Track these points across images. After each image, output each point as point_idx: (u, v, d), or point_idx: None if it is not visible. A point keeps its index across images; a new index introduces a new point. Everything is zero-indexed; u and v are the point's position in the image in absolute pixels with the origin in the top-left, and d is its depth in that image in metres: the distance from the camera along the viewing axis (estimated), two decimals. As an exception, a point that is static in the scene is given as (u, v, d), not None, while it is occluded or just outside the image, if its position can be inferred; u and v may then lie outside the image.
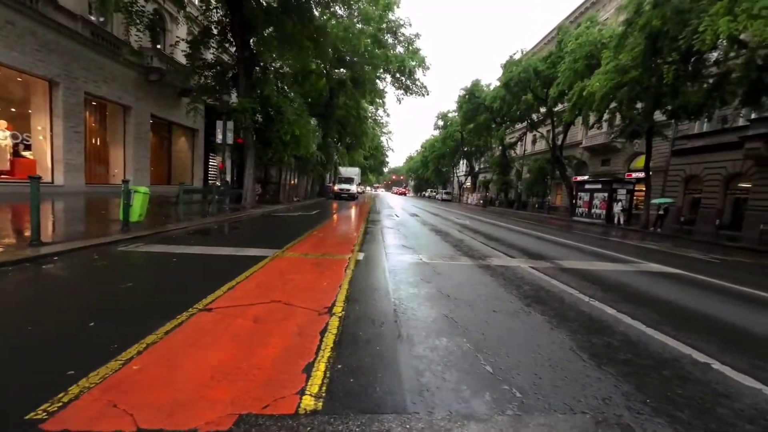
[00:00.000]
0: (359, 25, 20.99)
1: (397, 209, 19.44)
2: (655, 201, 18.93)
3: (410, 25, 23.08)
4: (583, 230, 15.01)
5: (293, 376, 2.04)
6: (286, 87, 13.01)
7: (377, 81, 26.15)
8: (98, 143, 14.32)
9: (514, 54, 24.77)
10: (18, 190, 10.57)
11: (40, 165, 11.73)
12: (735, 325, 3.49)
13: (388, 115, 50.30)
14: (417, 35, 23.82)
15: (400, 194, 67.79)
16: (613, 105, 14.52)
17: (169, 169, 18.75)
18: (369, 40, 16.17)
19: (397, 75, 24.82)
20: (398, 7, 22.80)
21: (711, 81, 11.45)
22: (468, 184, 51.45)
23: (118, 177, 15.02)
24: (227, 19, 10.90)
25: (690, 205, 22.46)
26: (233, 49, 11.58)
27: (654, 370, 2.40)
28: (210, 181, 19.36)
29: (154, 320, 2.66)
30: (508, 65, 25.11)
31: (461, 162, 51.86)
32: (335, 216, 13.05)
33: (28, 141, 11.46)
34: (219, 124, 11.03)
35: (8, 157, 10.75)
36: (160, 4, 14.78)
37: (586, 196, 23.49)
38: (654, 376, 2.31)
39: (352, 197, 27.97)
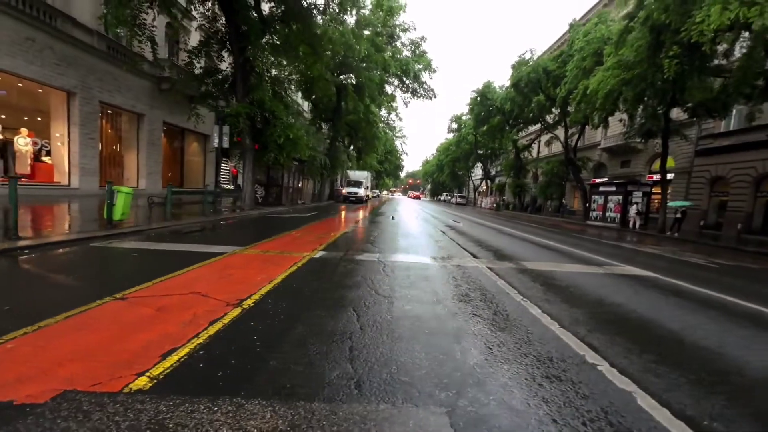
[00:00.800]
0: (366, 32, 21.38)
1: (401, 212, 19.41)
2: (671, 204, 17.86)
3: (415, 29, 23.22)
4: (588, 234, 14.35)
5: (148, 359, 2.13)
6: (284, 92, 13.42)
7: (385, 85, 26.45)
8: (113, 149, 15.31)
9: (524, 54, 24.21)
10: (38, 192, 11.56)
11: (58, 169, 12.73)
12: (668, 330, 3.26)
13: (400, 119, 50.36)
14: (423, 38, 23.96)
15: (414, 198, 67.52)
16: (620, 103, 13.87)
17: (181, 173, 19.76)
18: (366, 44, 16.33)
19: (404, 79, 24.98)
20: (404, 11, 23.03)
21: (721, 76, 10.70)
22: (483, 187, 50.56)
23: (131, 181, 16.03)
24: (224, 29, 11.45)
25: (717, 208, 20.96)
26: (232, 58, 12.10)
27: (532, 367, 2.31)
28: (222, 185, 20.16)
29: (64, 307, 2.85)
30: (518, 65, 24.58)
31: (476, 165, 51.04)
32: (328, 218, 13.23)
33: (47, 147, 12.45)
34: (215, 128, 11.55)
35: (29, 162, 11.73)
36: (172, 17, 15.72)
37: (600, 200, 22.47)
38: (527, 371, 2.22)
39: (360, 201, 28.18)
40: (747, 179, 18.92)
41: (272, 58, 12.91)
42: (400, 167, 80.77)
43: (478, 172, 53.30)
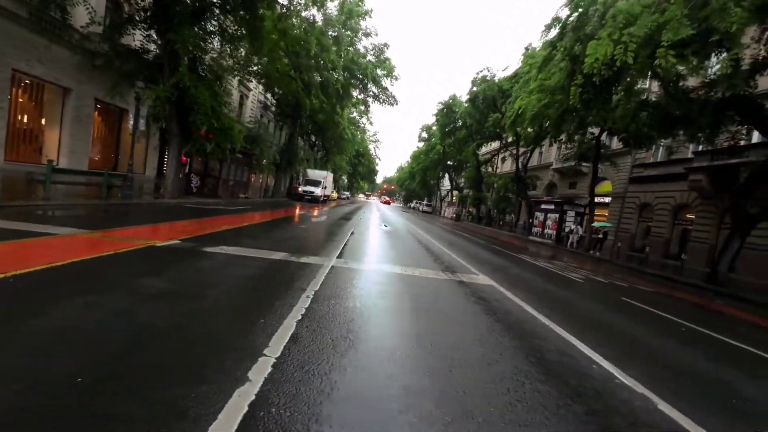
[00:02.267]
0: (331, 32, 21.37)
1: (351, 213, 19.43)
2: (595, 224, 18.89)
3: (377, 34, 23.48)
4: (510, 247, 14.84)
5: None
6: (219, 80, 13.07)
7: (351, 88, 26.48)
8: (29, 122, 14.35)
9: (482, 71, 25.10)
10: None
11: (-46, 137, 11.76)
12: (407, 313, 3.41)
13: (371, 123, 50.54)
14: (386, 45, 24.28)
15: (384, 203, 67.97)
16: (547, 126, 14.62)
17: (116, 155, 18.80)
18: (314, 42, 16.30)
19: (365, 82, 25.17)
20: (370, 17, 23.29)
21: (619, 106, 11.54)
22: (450, 198, 51.63)
23: (51, 157, 15.07)
24: (148, 12, 11.15)
25: (644, 233, 22.44)
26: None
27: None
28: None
29: None
30: (476, 82, 25.44)
31: (445, 176, 52.11)
32: (251, 213, 13.00)
33: (-58, 111, 11.49)
34: (133, 110, 11.12)
35: None
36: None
37: (541, 216, 23.50)
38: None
39: (315, 200, 27.93)
40: (667, 207, 20.40)
41: (208, 44, 12.58)
42: (374, 171, 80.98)
43: (447, 182, 54.46)
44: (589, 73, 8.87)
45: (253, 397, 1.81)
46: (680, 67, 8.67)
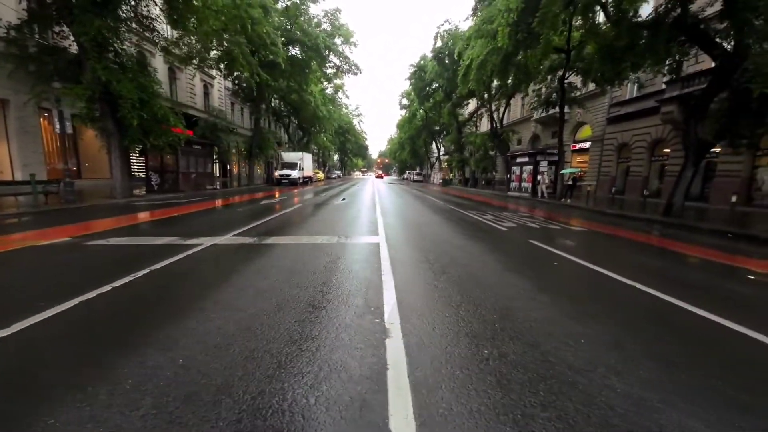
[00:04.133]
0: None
1: (327, 195, 19.26)
2: (564, 171, 18.41)
3: (324, -1, 22.01)
4: (471, 206, 14.55)
5: None
6: (142, 69, 12.48)
7: (312, 62, 25.41)
8: (-28, 139, 14.24)
9: (443, 24, 23.69)
10: None
11: None
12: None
13: (347, 97, 48.89)
14: (337, 10, 22.94)
15: (378, 177, 67.26)
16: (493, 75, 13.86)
17: (77, 162, 18.71)
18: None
19: (324, 53, 24.06)
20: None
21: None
22: (438, 164, 50.81)
23: (6, 174, 15.06)
24: (53, 7, 10.58)
25: (624, 174, 21.84)
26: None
27: None
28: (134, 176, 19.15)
29: None
30: (439, 37, 24.12)
31: (433, 142, 50.98)
32: (187, 206, 12.93)
33: None
34: (55, 113, 10.88)
35: None
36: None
37: (518, 170, 22.98)
38: None
39: (293, 183, 27.76)
40: (644, 145, 19.68)
41: (123, 32, 11.94)
42: (364, 147, 79.72)
43: (436, 149, 53.32)
44: (516, 7, 8.23)
45: None
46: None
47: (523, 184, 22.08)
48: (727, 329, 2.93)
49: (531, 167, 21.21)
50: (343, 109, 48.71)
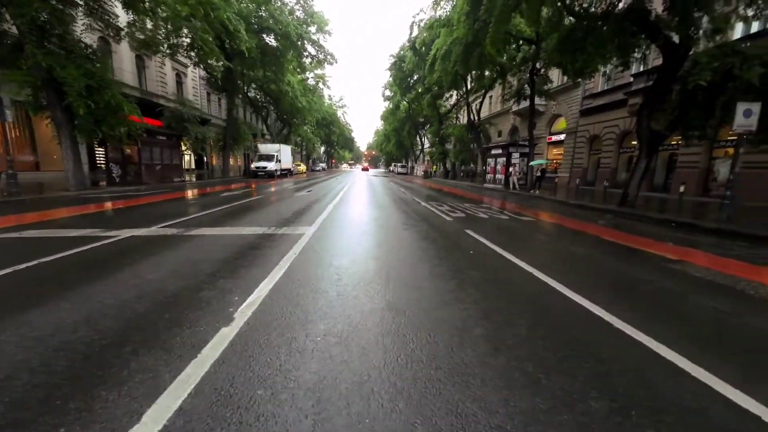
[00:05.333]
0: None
1: (300, 183, 18.99)
2: (533, 163, 18.55)
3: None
4: (439, 197, 14.54)
5: None
6: (88, 54, 11.87)
7: (289, 52, 24.77)
8: None
9: (418, 13, 23.35)
10: None
11: None
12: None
13: (328, 87, 48.05)
14: (310, -4, 22.33)
15: (364, 170, 66.90)
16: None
17: (35, 154, 17.98)
18: None
19: (298, 42, 23.49)
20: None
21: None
22: (422, 157, 50.71)
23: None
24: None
25: (595, 166, 22.14)
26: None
27: None
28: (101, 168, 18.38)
29: None
30: (415, 26, 23.80)
31: (417, 134, 50.73)
32: (157, 196, 12.59)
33: None
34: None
35: None
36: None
37: (492, 162, 23.08)
38: None
39: (270, 175, 27.33)
40: (613, 137, 19.94)
41: (66, 15, 11.31)
42: (350, 139, 78.96)
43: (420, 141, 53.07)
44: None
45: None
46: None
47: (497, 176, 22.18)
48: (577, 304, 3.00)
49: (504, 159, 21.29)
50: (326, 100, 47.94)
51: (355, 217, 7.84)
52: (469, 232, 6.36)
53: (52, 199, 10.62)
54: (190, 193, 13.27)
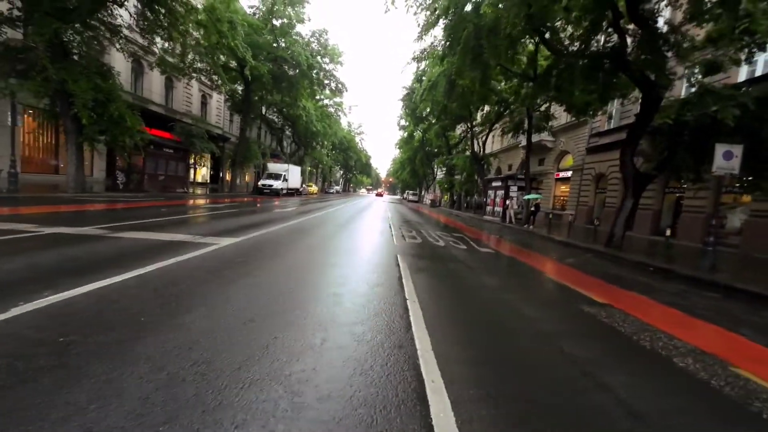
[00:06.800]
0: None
1: (301, 204, 19.36)
2: (526, 197, 17.99)
3: (309, 20, 23.10)
4: (431, 226, 14.26)
5: None
6: (102, 70, 13.04)
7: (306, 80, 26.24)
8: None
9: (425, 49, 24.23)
10: None
11: None
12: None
13: (345, 114, 49.89)
14: (324, 30, 23.88)
15: (378, 195, 67.55)
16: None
17: (56, 159, 19.43)
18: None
19: (311, 72, 24.87)
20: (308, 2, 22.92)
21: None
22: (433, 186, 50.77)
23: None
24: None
25: (602, 205, 21.20)
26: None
27: None
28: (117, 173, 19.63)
29: None
30: (420, 58, 24.62)
31: (431, 164, 51.15)
32: (139, 203, 13.07)
33: None
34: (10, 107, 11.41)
35: None
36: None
37: (492, 194, 22.64)
38: None
39: (275, 193, 28.08)
40: (618, 176, 19.14)
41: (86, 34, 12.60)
42: (368, 165, 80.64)
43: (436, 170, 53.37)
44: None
45: None
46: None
47: (496, 208, 21.66)
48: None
49: (503, 192, 20.84)
50: (345, 127, 49.76)
51: (306, 238, 7.72)
52: (399, 256, 6.06)
53: (43, 198, 11.27)
54: (174, 203, 13.72)
